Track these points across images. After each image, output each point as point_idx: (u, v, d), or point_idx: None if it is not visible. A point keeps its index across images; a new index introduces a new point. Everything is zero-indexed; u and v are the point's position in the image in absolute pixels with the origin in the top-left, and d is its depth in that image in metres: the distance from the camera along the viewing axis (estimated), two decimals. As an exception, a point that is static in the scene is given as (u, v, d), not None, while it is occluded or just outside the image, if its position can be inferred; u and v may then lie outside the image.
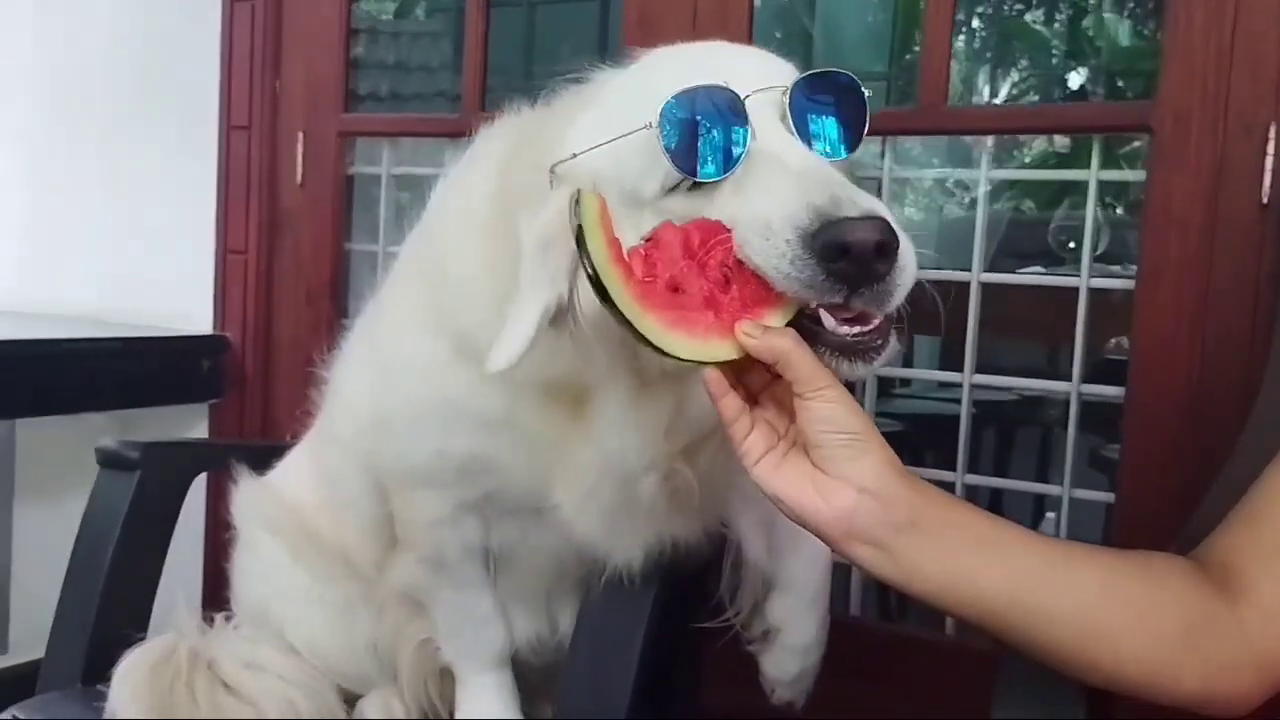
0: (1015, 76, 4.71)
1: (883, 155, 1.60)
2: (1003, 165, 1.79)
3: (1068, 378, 1.48)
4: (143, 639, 1.06)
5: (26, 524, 1.89)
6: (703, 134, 0.70)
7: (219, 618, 1.11)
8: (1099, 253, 1.84)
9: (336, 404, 1.08)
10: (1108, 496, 1.49)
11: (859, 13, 4.55)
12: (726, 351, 0.68)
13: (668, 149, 0.70)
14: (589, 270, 0.67)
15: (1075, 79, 4.59)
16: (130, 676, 1.01)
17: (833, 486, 0.68)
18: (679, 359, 0.68)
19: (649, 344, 0.68)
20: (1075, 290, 1.45)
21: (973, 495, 2.12)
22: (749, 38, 1.57)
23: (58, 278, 2.21)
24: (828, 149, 0.73)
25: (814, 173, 0.69)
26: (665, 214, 0.72)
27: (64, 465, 1.15)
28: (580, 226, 0.67)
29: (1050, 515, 1.66)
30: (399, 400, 0.96)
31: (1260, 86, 1.28)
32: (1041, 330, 1.91)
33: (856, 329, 0.67)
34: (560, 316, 0.74)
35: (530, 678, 1.11)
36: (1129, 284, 1.41)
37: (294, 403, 1.26)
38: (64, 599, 1.15)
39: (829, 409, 0.68)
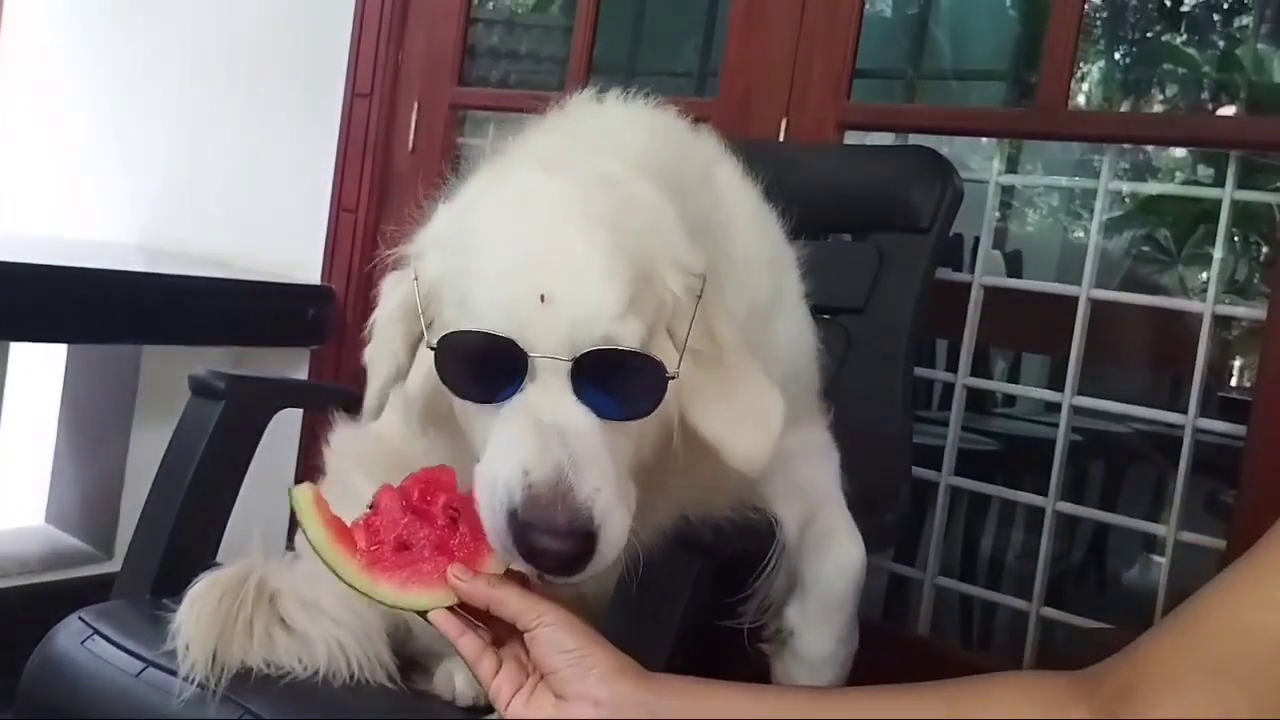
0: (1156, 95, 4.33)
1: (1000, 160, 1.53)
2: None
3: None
4: (217, 564, 1.04)
5: (142, 443, 1.96)
6: (478, 373, 0.72)
7: (289, 554, 1.10)
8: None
9: None
10: (1218, 543, 1.39)
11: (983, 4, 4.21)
12: (448, 597, 0.72)
13: (442, 378, 0.73)
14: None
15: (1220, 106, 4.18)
16: (201, 599, 0.99)
17: (573, 707, 0.70)
18: (412, 611, 0.73)
19: (388, 605, 0.73)
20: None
21: (1069, 526, 2.02)
22: (857, 31, 1.53)
23: (191, 222, 2.31)
24: (604, 411, 0.71)
25: (556, 434, 0.68)
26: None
27: (180, 393, 1.19)
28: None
29: (1158, 559, 1.57)
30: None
31: None
32: (1159, 360, 1.81)
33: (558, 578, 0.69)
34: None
35: None
36: (1259, 313, 1.33)
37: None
38: (145, 513, 1.16)
39: (548, 634, 0.71)
